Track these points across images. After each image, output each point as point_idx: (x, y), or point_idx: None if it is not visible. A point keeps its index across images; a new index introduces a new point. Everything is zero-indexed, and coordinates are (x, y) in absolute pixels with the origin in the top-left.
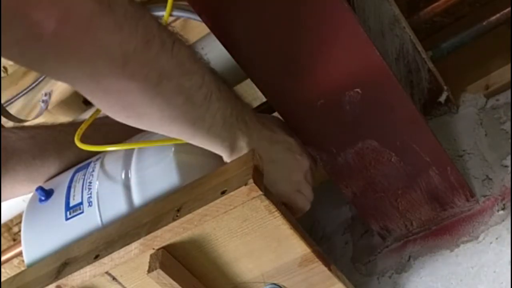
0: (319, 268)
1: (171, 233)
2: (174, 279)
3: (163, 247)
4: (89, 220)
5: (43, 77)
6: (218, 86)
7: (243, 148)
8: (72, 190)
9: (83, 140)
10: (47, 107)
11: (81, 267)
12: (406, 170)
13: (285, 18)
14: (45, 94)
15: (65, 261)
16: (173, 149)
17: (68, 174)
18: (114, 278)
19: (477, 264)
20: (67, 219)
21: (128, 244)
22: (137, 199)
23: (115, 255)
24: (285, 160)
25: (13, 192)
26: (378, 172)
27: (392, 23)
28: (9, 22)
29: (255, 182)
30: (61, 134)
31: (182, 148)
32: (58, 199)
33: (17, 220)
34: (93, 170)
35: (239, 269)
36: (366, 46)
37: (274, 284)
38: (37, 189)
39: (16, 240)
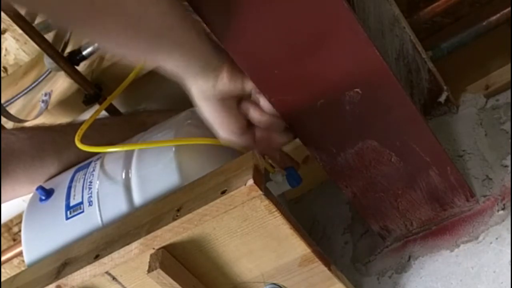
0: (319, 268)
1: (171, 233)
2: (174, 279)
3: (163, 247)
4: (89, 220)
5: (43, 77)
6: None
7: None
8: (72, 189)
9: (83, 140)
10: (47, 107)
11: (81, 267)
12: (406, 170)
13: (284, 18)
14: (45, 94)
15: (65, 261)
16: (173, 149)
17: (68, 174)
18: (114, 278)
19: (477, 264)
20: (67, 218)
21: (128, 244)
22: (138, 198)
23: (115, 255)
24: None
25: (13, 194)
26: (378, 172)
27: (392, 23)
28: None
29: (255, 182)
30: (59, 135)
31: (183, 148)
32: (59, 198)
33: (17, 220)
34: (93, 170)
35: (239, 269)
36: (366, 46)
37: (274, 284)
38: (37, 189)
39: (16, 240)
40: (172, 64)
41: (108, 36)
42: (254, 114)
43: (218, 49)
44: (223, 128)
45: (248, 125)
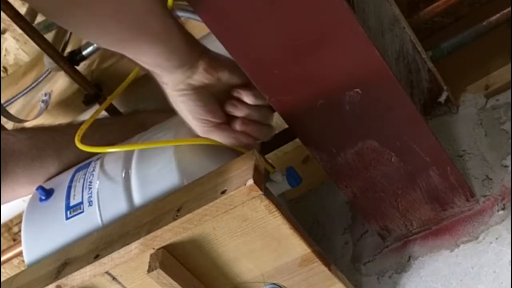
0: (319, 268)
1: (171, 232)
2: (174, 279)
3: (163, 247)
4: (89, 220)
5: (43, 77)
6: None
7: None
8: (72, 189)
9: (83, 140)
10: (46, 107)
11: (81, 267)
12: (406, 170)
13: (285, 18)
14: (45, 94)
15: (65, 261)
16: (173, 149)
17: (68, 174)
18: (114, 278)
19: (477, 264)
20: (67, 218)
21: (128, 244)
22: (138, 198)
23: (115, 255)
24: None
25: (14, 195)
26: (378, 172)
27: (392, 23)
28: None
29: (255, 182)
30: (59, 135)
31: (183, 148)
32: (59, 198)
33: (17, 220)
34: (93, 170)
35: (239, 269)
36: (366, 46)
37: (274, 284)
38: (37, 189)
39: (16, 240)
40: (152, 56)
41: (92, 22)
42: (241, 109)
43: (195, 43)
44: (199, 121)
45: (227, 121)
